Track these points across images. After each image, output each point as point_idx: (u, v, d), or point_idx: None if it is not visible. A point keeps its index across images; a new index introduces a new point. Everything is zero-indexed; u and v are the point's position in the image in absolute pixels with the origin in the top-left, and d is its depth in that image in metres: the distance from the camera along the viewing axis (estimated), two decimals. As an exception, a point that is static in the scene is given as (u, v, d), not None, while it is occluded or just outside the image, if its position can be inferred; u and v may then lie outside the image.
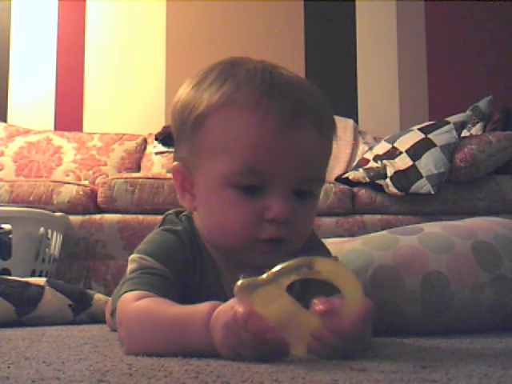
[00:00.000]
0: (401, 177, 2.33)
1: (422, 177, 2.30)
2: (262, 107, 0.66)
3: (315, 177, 0.71)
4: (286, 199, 0.68)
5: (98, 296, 1.43)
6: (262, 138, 0.66)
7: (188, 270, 0.75)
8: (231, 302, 0.58)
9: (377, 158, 2.49)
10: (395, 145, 2.48)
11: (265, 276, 0.56)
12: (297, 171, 0.68)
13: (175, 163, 0.76)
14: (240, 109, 0.67)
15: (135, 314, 0.66)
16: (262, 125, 0.66)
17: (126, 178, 2.32)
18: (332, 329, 0.56)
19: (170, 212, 0.83)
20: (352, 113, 3.28)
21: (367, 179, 2.39)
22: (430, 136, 2.42)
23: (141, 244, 0.77)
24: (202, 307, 0.61)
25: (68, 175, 2.84)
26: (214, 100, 0.68)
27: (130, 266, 0.74)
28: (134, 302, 0.67)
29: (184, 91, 0.74)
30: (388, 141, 2.57)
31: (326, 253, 0.84)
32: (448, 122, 2.48)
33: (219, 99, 0.68)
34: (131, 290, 0.69)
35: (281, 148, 0.67)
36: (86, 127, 3.29)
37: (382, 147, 2.55)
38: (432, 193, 2.28)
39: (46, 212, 2.06)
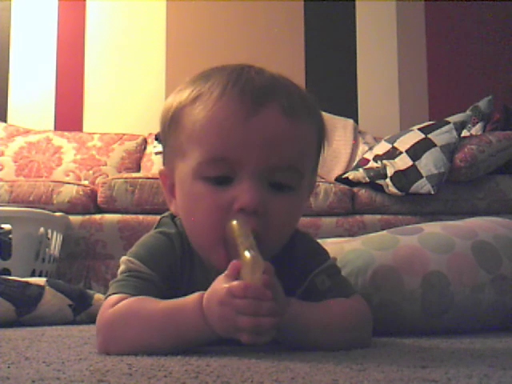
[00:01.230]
0: (401, 177, 2.33)
1: (422, 177, 2.30)
2: (226, 95, 0.66)
3: (289, 166, 0.68)
4: (255, 188, 0.65)
5: (98, 296, 1.43)
6: (224, 123, 0.66)
7: (176, 275, 0.75)
8: (216, 281, 0.62)
9: (377, 158, 2.49)
10: (395, 145, 2.48)
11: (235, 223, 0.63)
12: (265, 157, 0.66)
13: (161, 168, 0.77)
14: (206, 100, 0.68)
15: (119, 315, 0.67)
16: (223, 111, 0.66)
17: (125, 178, 2.32)
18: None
19: (165, 215, 0.83)
20: (352, 113, 3.28)
21: (367, 179, 2.39)
22: (429, 136, 2.42)
23: (134, 246, 0.78)
24: (191, 297, 0.64)
25: (68, 175, 2.84)
26: (185, 97, 0.70)
27: (120, 268, 0.75)
28: (111, 308, 0.68)
29: (168, 100, 0.75)
30: (388, 141, 2.57)
31: (317, 251, 0.81)
32: (448, 122, 2.48)
33: (189, 95, 0.69)
34: (115, 293, 0.70)
35: (243, 132, 0.65)
36: (86, 127, 3.29)
37: (382, 147, 2.55)
38: (432, 193, 2.28)
39: (46, 212, 2.06)
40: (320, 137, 0.74)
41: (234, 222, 0.65)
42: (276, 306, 0.60)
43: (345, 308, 0.74)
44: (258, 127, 0.66)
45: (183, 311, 0.64)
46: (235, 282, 0.59)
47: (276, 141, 0.66)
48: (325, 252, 0.81)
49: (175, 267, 0.75)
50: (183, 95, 0.70)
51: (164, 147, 0.76)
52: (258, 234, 0.65)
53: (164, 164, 0.77)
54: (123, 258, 0.75)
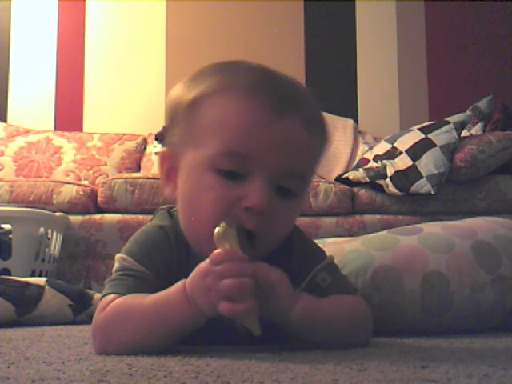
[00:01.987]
0: (401, 177, 2.33)
1: (422, 177, 2.30)
2: (253, 94, 0.68)
3: (299, 173, 0.71)
4: (266, 190, 0.67)
5: (98, 296, 1.43)
6: (248, 122, 0.67)
7: (171, 269, 0.74)
8: (197, 266, 0.65)
9: (377, 157, 2.49)
10: (395, 145, 2.48)
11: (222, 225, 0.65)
12: (281, 162, 0.68)
13: (163, 149, 0.76)
14: (232, 94, 0.68)
15: (110, 317, 0.68)
16: (251, 110, 0.67)
17: (125, 178, 2.32)
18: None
19: (162, 207, 0.83)
20: (352, 113, 3.28)
21: (367, 179, 2.39)
22: (430, 136, 2.42)
23: (128, 241, 0.77)
24: (175, 285, 0.66)
25: (68, 175, 2.84)
26: (209, 85, 0.70)
27: (115, 265, 0.75)
28: (104, 310, 0.69)
29: (177, 87, 0.75)
30: (388, 141, 2.57)
31: (315, 250, 0.81)
32: (448, 122, 2.48)
33: (215, 85, 0.70)
34: (109, 294, 0.71)
35: (266, 134, 0.67)
36: (86, 127, 3.29)
37: (382, 147, 2.55)
38: (432, 193, 2.28)
39: (46, 212, 2.06)
40: (324, 149, 0.77)
41: (222, 225, 0.66)
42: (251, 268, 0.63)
43: (349, 304, 0.76)
44: (280, 132, 0.68)
45: (168, 299, 0.66)
46: (215, 251, 0.63)
47: (294, 148, 0.69)
48: (322, 251, 0.82)
49: (171, 262, 0.74)
50: (207, 83, 0.70)
51: (170, 133, 0.75)
52: (256, 233, 0.67)
53: (167, 146, 0.76)
54: (117, 256, 0.75)
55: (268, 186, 0.67)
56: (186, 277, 0.67)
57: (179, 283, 0.66)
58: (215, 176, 0.68)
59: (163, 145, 2.96)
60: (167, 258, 0.74)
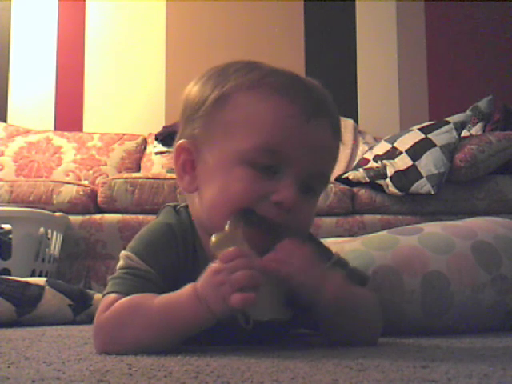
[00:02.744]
0: (401, 177, 2.33)
1: (421, 177, 2.30)
2: (290, 94, 0.70)
3: (324, 173, 0.74)
4: (296, 187, 0.69)
5: (98, 296, 1.43)
6: (286, 121, 0.69)
7: (177, 267, 0.74)
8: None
9: (377, 157, 2.49)
10: (395, 145, 2.48)
11: (226, 228, 0.67)
12: (310, 161, 0.70)
13: (181, 141, 0.75)
14: (268, 92, 0.70)
15: (115, 316, 0.67)
16: (289, 109, 0.69)
17: (125, 178, 2.32)
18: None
19: (168, 204, 0.83)
20: (352, 113, 3.28)
21: (367, 179, 2.39)
22: (430, 136, 2.42)
23: (133, 239, 0.77)
24: (184, 287, 0.66)
25: (68, 175, 2.84)
26: (241, 81, 0.71)
27: (119, 262, 0.74)
28: (107, 310, 0.68)
29: (197, 84, 0.74)
30: (388, 141, 2.57)
31: (324, 247, 0.84)
32: (448, 122, 2.47)
33: (248, 81, 0.71)
34: (111, 292, 0.70)
35: (300, 134, 0.69)
36: (86, 127, 3.29)
37: (382, 147, 2.55)
38: (432, 193, 2.28)
39: (46, 212, 2.06)
40: (338, 154, 0.79)
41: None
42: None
43: (367, 296, 0.79)
44: (313, 133, 0.70)
45: (178, 300, 0.66)
46: (225, 251, 0.64)
47: (324, 150, 0.73)
48: (329, 249, 0.85)
49: (177, 260, 0.74)
50: (238, 79, 0.71)
51: (187, 125, 0.74)
52: (284, 227, 0.69)
53: (181, 137, 0.75)
54: (122, 253, 0.75)
55: (298, 183, 0.70)
56: (193, 276, 0.67)
57: (189, 285, 0.66)
58: (246, 168, 0.69)
59: (163, 144, 2.96)
60: (173, 256, 0.74)
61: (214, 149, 0.71)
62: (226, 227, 0.67)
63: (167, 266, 0.73)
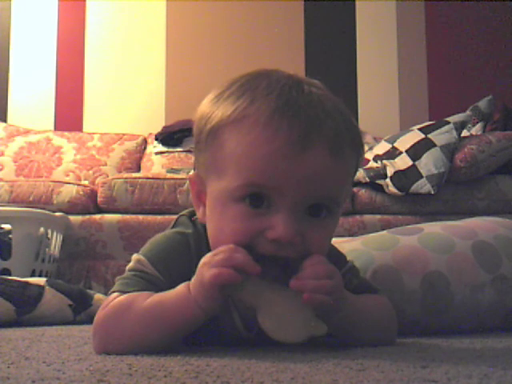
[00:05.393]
0: (401, 177, 2.33)
1: (422, 177, 2.30)
2: (272, 125, 0.65)
3: (330, 195, 0.68)
4: (292, 220, 0.65)
5: (98, 296, 1.43)
6: (269, 156, 0.64)
7: (189, 278, 0.71)
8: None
9: (377, 157, 2.49)
10: (395, 145, 2.48)
11: None
12: (306, 191, 0.66)
13: (191, 173, 0.76)
14: (251, 125, 0.66)
15: (111, 313, 0.68)
16: (271, 143, 0.64)
17: (125, 178, 2.32)
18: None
19: (183, 213, 0.82)
20: (352, 113, 3.28)
21: (367, 179, 2.39)
22: (429, 136, 2.42)
23: (147, 243, 0.77)
24: (179, 285, 0.68)
25: (68, 175, 2.84)
26: (227, 114, 0.68)
27: (130, 264, 0.74)
28: (106, 308, 0.69)
29: (206, 101, 0.73)
30: (388, 141, 2.57)
31: (339, 254, 0.82)
32: (448, 122, 2.47)
33: (232, 113, 0.67)
34: (116, 291, 0.70)
35: (288, 168, 0.64)
36: (86, 127, 3.29)
37: (382, 147, 2.55)
38: (432, 193, 2.28)
39: (46, 212, 2.06)
40: (359, 160, 0.74)
41: None
42: None
43: (380, 303, 0.79)
44: (304, 164, 0.65)
45: (169, 297, 0.67)
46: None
47: (320, 177, 0.66)
48: (344, 255, 0.83)
49: (189, 270, 0.72)
50: (226, 110, 0.68)
51: (197, 155, 0.74)
52: (293, 260, 0.67)
53: (195, 169, 0.76)
54: (134, 256, 0.74)
55: (296, 213, 0.66)
56: None
57: (184, 283, 0.67)
58: (239, 206, 0.66)
59: (163, 144, 2.95)
60: (186, 266, 0.73)
61: (211, 186, 0.70)
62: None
63: (178, 275, 0.72)
